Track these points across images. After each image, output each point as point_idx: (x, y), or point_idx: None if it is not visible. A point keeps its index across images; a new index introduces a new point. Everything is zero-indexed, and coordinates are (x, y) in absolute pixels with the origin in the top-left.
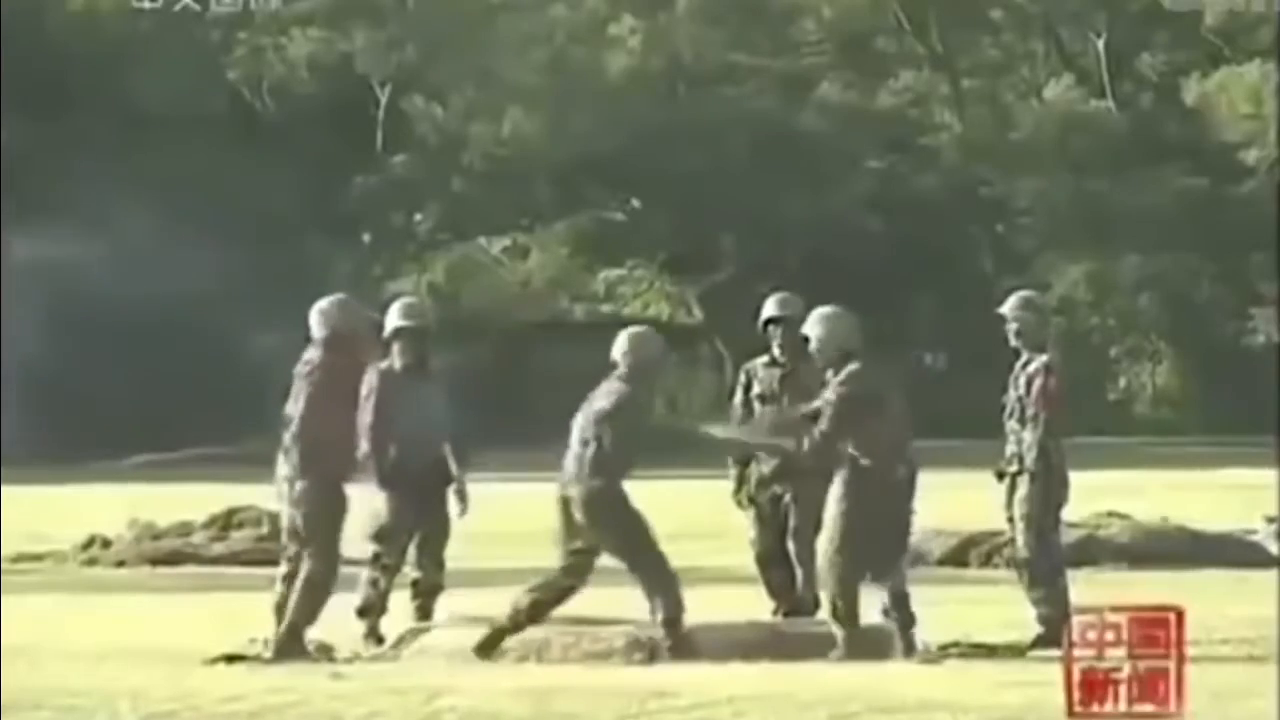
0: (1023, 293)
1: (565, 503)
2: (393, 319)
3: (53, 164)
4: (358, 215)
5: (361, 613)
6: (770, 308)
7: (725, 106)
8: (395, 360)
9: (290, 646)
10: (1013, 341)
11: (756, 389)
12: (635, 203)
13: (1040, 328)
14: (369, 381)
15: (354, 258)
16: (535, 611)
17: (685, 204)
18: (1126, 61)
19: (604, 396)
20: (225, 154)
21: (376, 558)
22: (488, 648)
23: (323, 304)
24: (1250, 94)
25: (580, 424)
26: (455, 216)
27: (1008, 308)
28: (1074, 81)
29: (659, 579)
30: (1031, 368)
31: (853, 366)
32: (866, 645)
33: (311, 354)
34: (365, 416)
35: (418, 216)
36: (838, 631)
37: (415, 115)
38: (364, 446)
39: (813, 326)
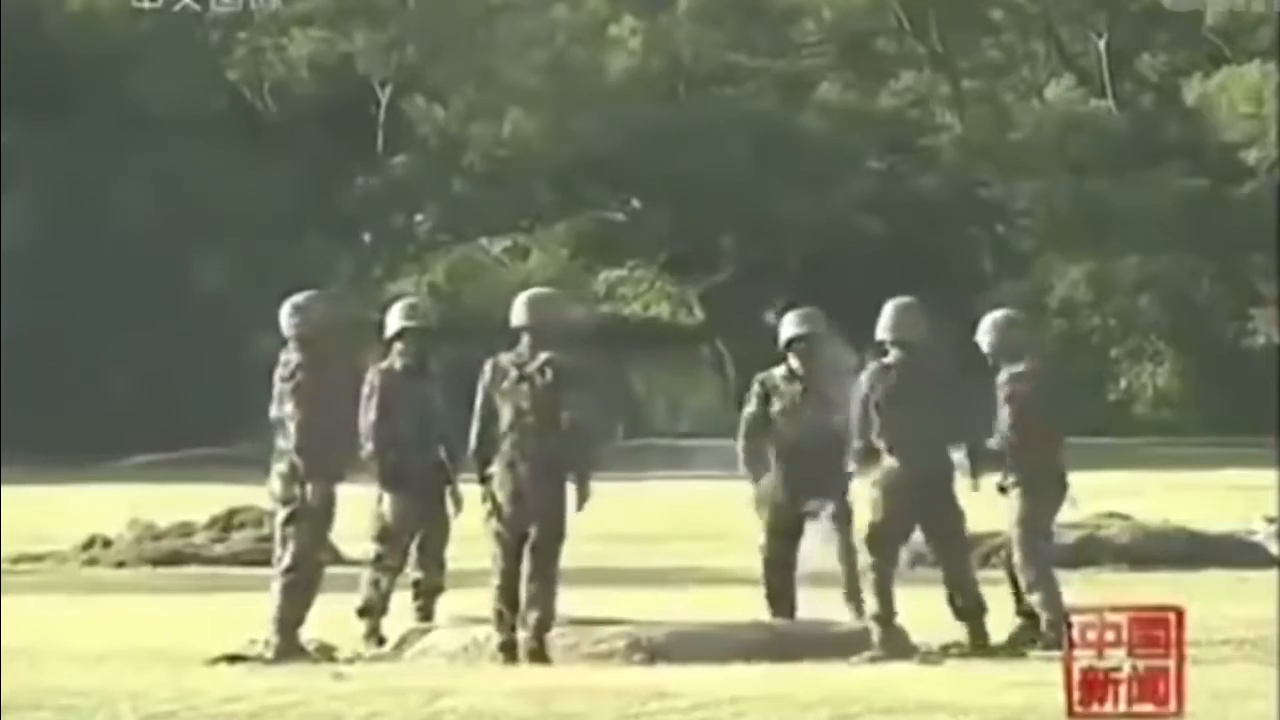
0: (992, 314)
1: (516, 479)
2: (395, 319)
3: (52, 162)
4: (358, 216)
5: (363, 613)
6: (792, 327)
7: (725, 107)
8: (396, 360)
9: (287, 647)
10: (989, 362)
11: (778, 404)
12: (635, 203)
13: (1012, 343)
14: (371, 381)
15: (354, 258)
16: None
17: (685, 204)
18: (1127, 62)
19: (550, 369)
20: (225, 154)
21: (379, 558)
22: (542, 652)
23: (298, 300)
24: (1251, 94)
25: (517, 392)
26: (456, 217)
27: (979, 332)
28: (1074, 82)
29: (553, 582)
30: (1001, 379)
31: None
32: (902, 643)
33: (291, 355)
34: (369, 416)
35: (418, 217)
36: (875, 629)
37: (416, 116)
38: (368, 447)
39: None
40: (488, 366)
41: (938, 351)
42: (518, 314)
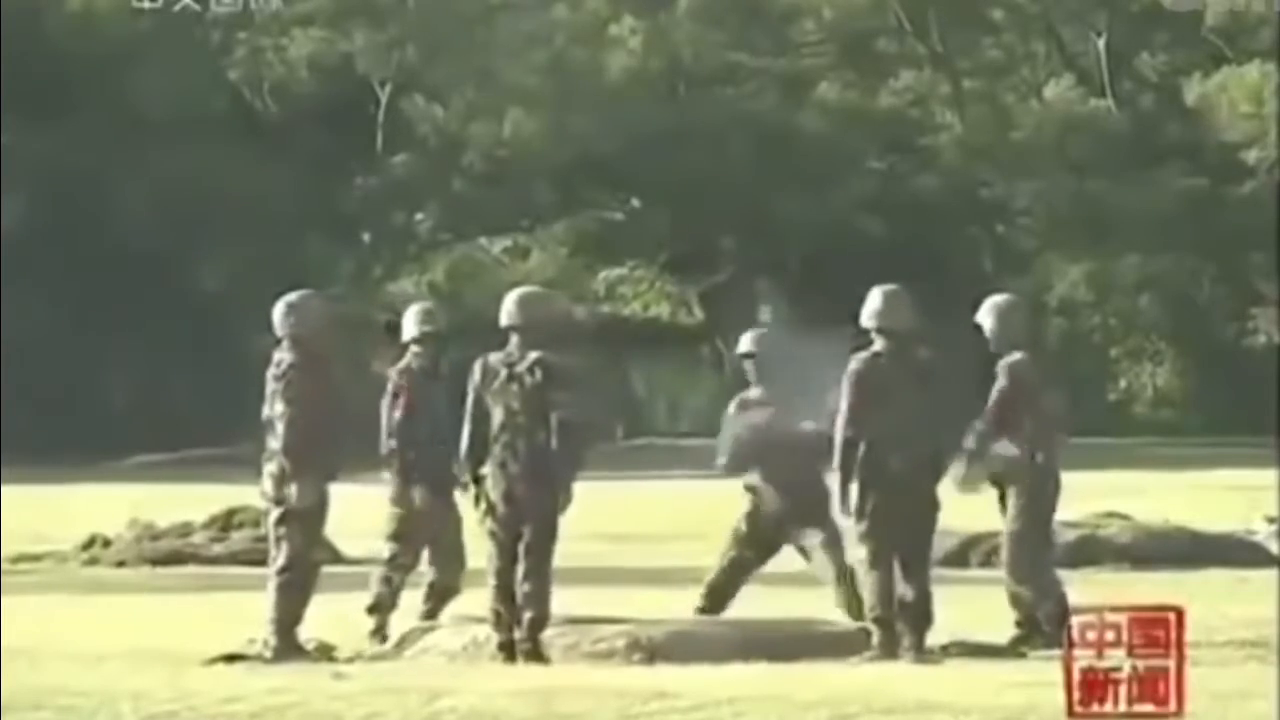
0: (994, 298)
1: (508, 479)
2: (413, 325)
3: (52, 162)
4: (358, 215)
5: (372, 610)
6: (742, 344)
7: (725, 107)
8: (413, 363)
9: (285, 648)
10: (991, 347)
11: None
12: (635, 203)
13: (1016, 332)
14: (396, 382)
15: (354, 258)
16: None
17: (685, 204)
18: (1127, 62)
19: (539, 368)
20: (225, 154)
21: (393, 557)
22: (537, 651)
23: (292, 299)
24: (1251, 94)
25: (507, 392)
26: (455, 217)
27: (980, 314)
28: (1074, 82)
29: (547, 582)
30: (998, 369)
31: (862, 354)
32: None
33: (284, 355)
34: (394, 415)
35: (418, 217)
36: (875, 631)
37: (415, 116)
38: (390, 444)
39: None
40: (477, 366)
41: (924, 342)
42: (507, 313)
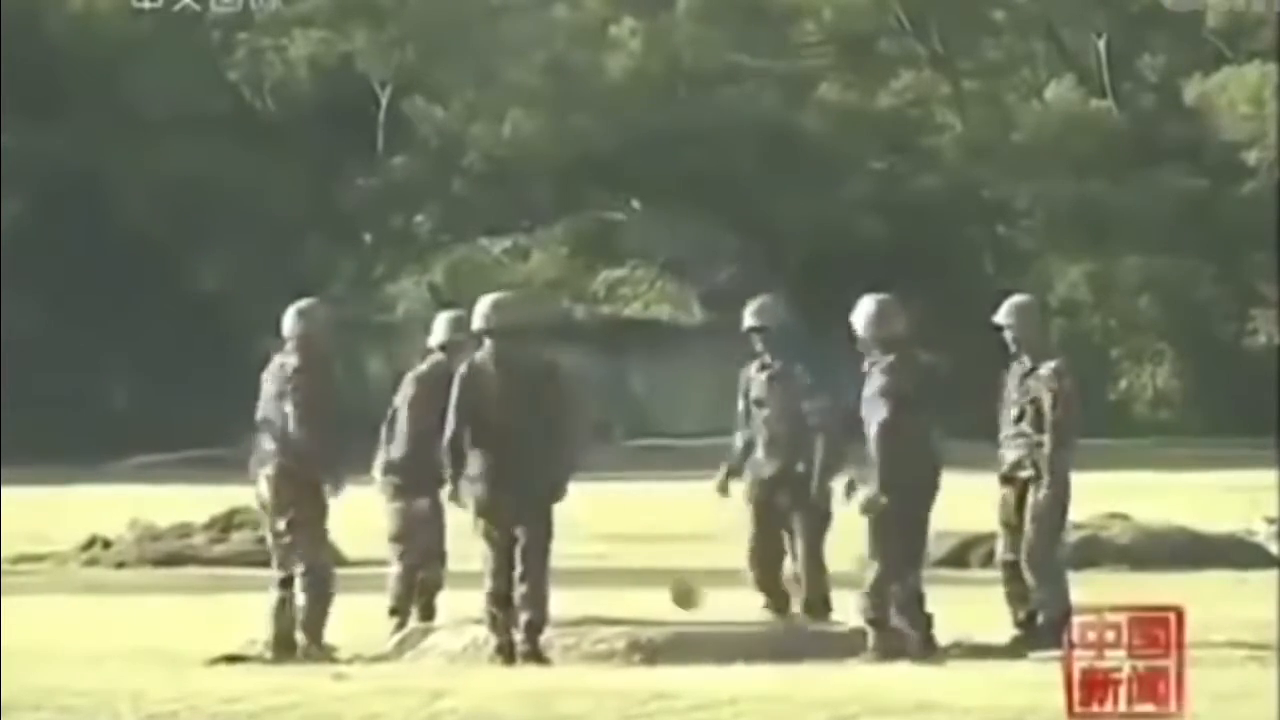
0: (1016, 299)
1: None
2: (442, 331)
3: (52, 162)
4: (358, 216)
5: (393, 612)
6: (749, 317)
7: (726, 107)
8: (434, 369)
9: (313, 649)
10: (1012, 349)
11: (754, 393)
12: (635, 203)
13: (1039, 333)
14: (414, 385)
15: (355, 258)
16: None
17: (685, 204)
18: (1127, 62)
19: (530, 368)
20: (225, 154)
21: (402, 556)
22: (536, 653)
23: (302, 305)
24: (1251, 94)
25: (514, 397)
26: (456, 217)
27: (1002, 315)
28: (1075, 82)
29: (544, 583)
30: (1044, 373)
31: (890, 358)
32: (896, 646)
33: (289, 358)
34: (405, 416)
35: (418, 218)
36: (870, 631)
37: (416, 116)
38: (393, 444)
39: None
40: (464, 367)
41: (923, 345)
42: (481, 316)
